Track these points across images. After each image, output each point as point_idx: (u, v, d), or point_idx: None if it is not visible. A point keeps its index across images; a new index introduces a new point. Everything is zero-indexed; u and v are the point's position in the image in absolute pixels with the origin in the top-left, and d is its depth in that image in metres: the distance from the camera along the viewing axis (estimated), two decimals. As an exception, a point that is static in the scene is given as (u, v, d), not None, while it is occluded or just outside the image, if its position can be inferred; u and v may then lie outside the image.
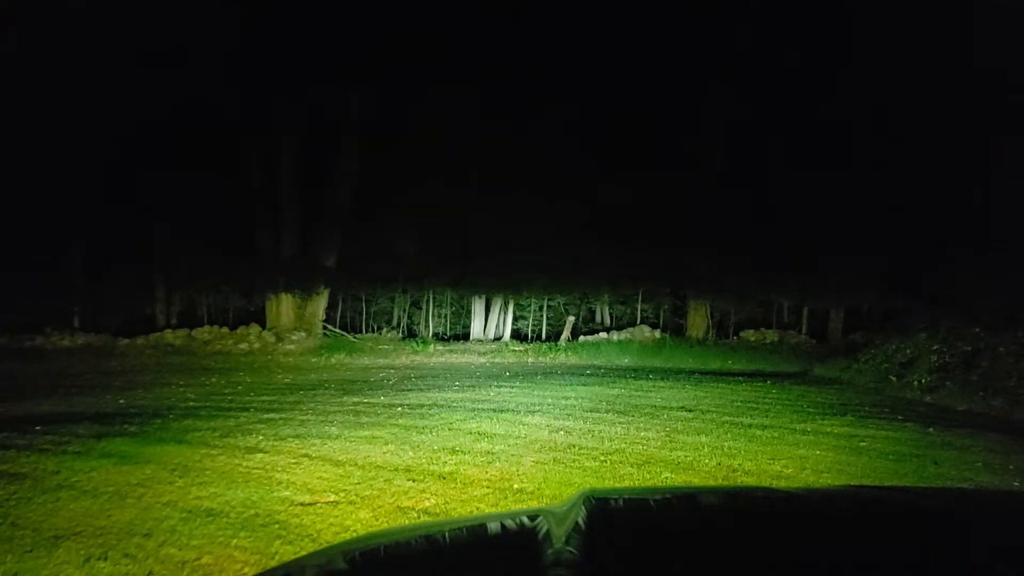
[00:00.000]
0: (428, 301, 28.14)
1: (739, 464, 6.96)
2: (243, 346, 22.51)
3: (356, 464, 6.67)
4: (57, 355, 20.43)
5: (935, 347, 14.36)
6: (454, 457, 7.00)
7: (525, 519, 1.72)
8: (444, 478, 6.22)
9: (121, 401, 11.52)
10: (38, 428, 8.44)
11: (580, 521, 1.49)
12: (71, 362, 18.98)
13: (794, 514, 1.68)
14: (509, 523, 1.80)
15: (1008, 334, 13.23)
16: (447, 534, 1.75)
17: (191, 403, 11.21)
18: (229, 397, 12.08)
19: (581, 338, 25.14)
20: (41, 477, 6.12)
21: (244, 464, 6.65)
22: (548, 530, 1.48)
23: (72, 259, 24.49)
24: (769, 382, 15.22)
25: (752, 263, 23.42)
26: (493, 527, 1.83)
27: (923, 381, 13.50)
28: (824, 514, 1.69)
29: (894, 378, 14.35)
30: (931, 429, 9.14)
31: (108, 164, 21.72)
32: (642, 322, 26.93)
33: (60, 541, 4.56)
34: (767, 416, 10.06)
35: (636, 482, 6.27)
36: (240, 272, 24.40)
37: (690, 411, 10.36)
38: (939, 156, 19.98)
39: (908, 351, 15.12)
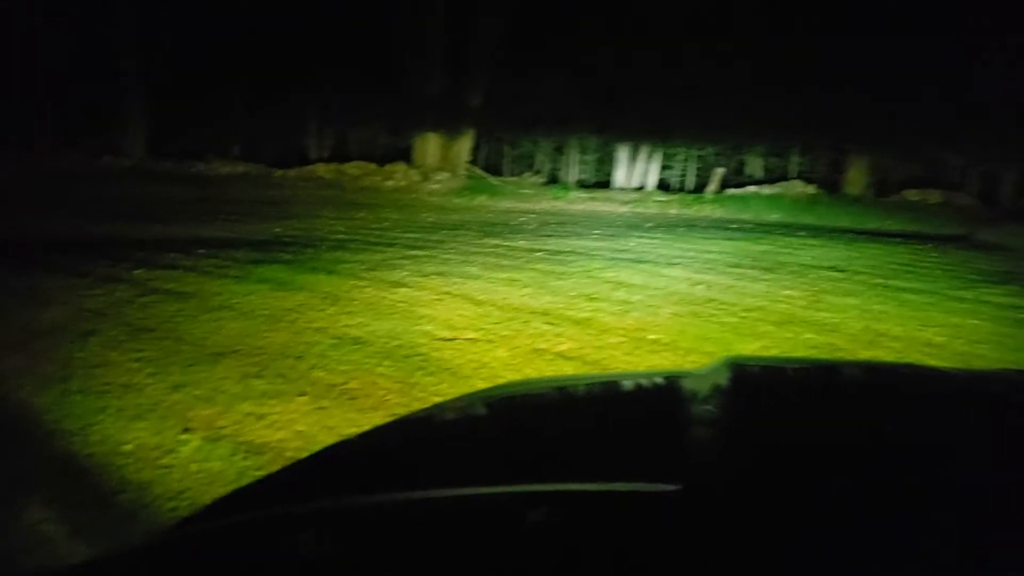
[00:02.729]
0: (572, 146, 27.70)
1: (887, 329, 6.60)
2: (390, 183, 23.10)
3: (495, 304, 6.78)
4: (217, 182, 21.63)
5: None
6: (591, 304, 6.99)
7: (669, 378, 1.72)
8: (580, 324, 6.24)
9: (276, 230, 12.12)
10: (201, 251, 9.02)
11: (722, 384, 1.43)
12: (230, 189, 20.08)
13: (946, 395, 1.54)
14: (657, 380, 1.80)
15: None
16: (595, 387, 1.75)
17: (341, 236, 11.66)
18: (376, 232, 12.49)
19: (729, 191, 24.22)
20: (205, 297, 6.56)
21: (389, 297, 6.89)
22: (692, 391, 1.44)
23: (233, 90, 25.33)
24: (929, 245, 14.32)
25: (922, 116, 21.44)
26: (639, 383, 1.82)
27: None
28: (976, 397, 1.53)
29: (1073, 248, 13.15)
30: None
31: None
32: (796, 176, 25.60)
33: (220, 358, 4.89)
34: (922, 281, 9.49)
35: (775, 341, 6.09)
36: (388, 109, 24.65)
37: (840, 271, 9.90)
38: None
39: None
